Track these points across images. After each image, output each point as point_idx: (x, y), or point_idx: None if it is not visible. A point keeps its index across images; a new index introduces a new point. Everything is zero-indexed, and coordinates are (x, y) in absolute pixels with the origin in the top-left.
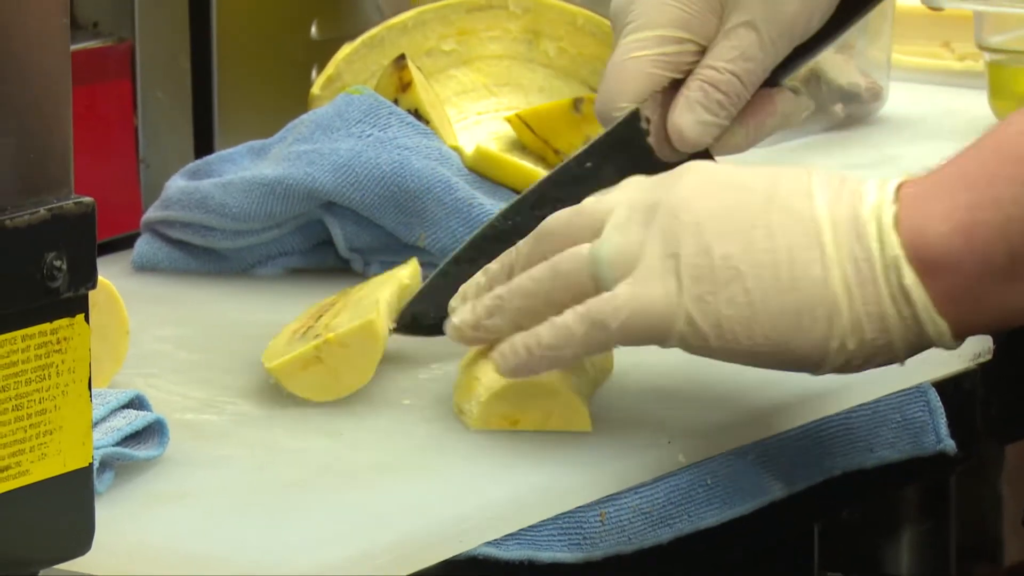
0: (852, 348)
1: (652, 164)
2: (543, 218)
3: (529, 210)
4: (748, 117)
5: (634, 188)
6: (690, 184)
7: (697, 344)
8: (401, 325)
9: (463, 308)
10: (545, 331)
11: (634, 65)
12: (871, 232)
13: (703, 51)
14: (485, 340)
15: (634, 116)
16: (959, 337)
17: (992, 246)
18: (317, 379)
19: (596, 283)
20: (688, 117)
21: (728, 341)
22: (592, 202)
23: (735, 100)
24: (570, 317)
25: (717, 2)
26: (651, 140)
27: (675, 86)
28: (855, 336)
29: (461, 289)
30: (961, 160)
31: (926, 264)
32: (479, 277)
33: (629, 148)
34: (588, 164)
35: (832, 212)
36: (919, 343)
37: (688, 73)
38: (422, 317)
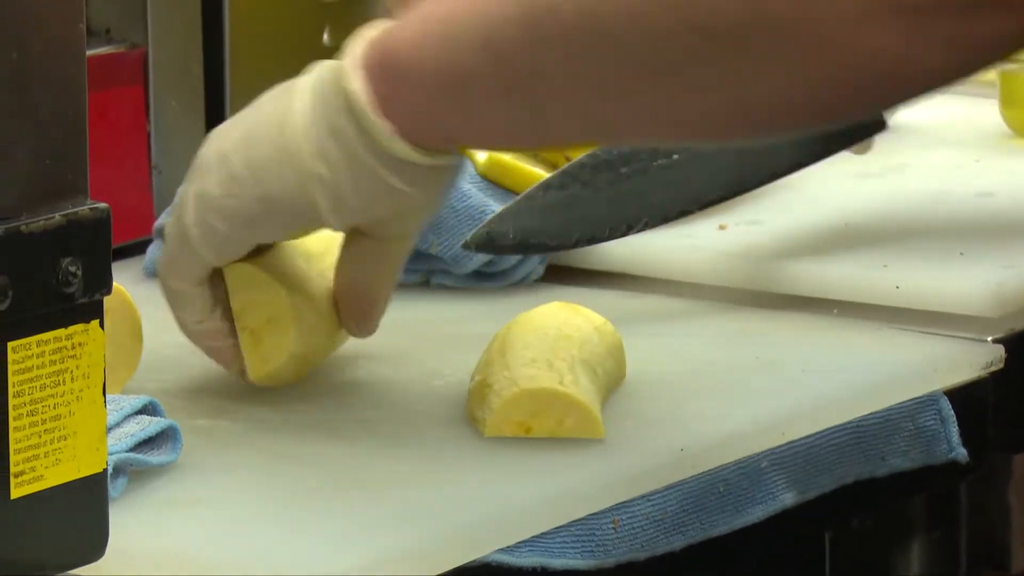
0: (326, 173)
1: None
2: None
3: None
4: None
5: None
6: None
7: (211, 236)
8: (476, 243)
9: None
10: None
11: None
12: (327, 71)
13: None
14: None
15: None
16: (424, 148)
17: (438, 56)
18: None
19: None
20: None
21: (231, 217)
22: None
23: None
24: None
25: None
26: None
27: None
28: (324, 160)
29: None
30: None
31: (377, 71)
32: None
33: None
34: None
35: (319, 75)
36: (387, 156)
37: None
38: (500, 237)
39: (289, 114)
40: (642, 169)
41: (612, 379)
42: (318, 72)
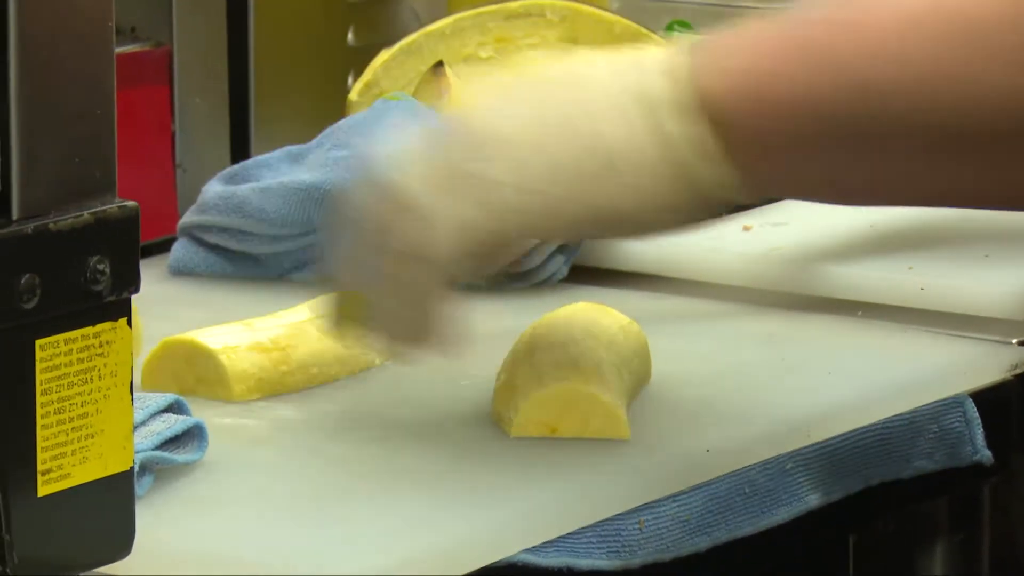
0: (650, 199)
1: None
2: None
3: None
4: None
5: None
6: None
7: (497, 227)
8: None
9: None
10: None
11: None
12: (656, 82)
13: None
14: None
15: None
16: (752, 191)
17: (793, 104)
18: None
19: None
20: None
21: (525, 212)
22: None
23: None
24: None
25: None
26: None
27: None
28: (649, 186)
29: None
30: (763, 22)
31: (712, 114)
32: None
33: None
34: None
35: (615, 69)
36: (702, 193)
37: None
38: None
39: (606, 120)
40: None
41: (638, 380)
42: (636, 77)
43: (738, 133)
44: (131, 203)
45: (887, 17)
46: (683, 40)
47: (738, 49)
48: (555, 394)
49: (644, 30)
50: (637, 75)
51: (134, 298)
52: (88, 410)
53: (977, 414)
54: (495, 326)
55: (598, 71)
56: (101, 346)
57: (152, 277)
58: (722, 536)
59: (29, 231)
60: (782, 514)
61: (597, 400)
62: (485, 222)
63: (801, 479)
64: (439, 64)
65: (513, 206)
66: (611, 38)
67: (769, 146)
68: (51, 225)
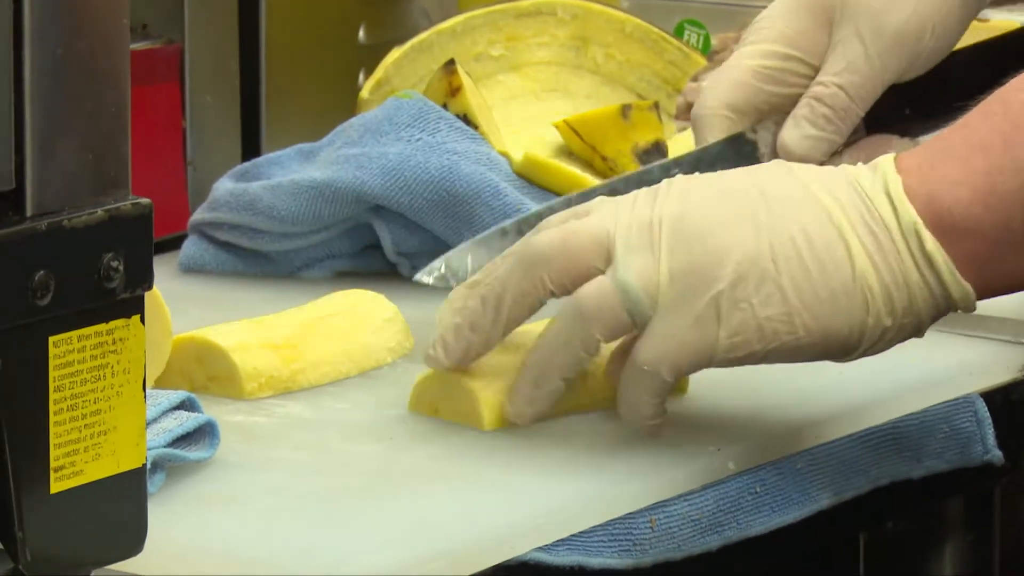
0: (888, 323)
1: None
2: None
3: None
4: (863, 154)
5: (618, 207)
6: (677, 195)
7: (743, 354)
8: (432, 275)
9: (523, 405)
10: (625, 416)
11: (734, 74)
12: (882, 203)
13: (813, 72)
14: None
15: (738, 139)
16: (980, 299)
17: (1010, 211)
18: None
19: (629, 313)
20: (794, 132)
21: (771, 341)
22: (582, 223)
23: (842, 114)
24: (623, 391)
25: (826, 21)
26: (762, 159)
27: (786, 109)
28: (888, 308)
29: (439, 335)
30: (969, 126)
31: (943, 229)
32: (455, 319)
33: (723, 167)
34: (675, 172)
35: (829, 189)
36: (944, 308)
37: (792, 90)
38: (459, 271)
39: (842, 247)
40: None
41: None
42: (845, 200)
43: (984, 237)
44: (145, 200)
45: None
46: (881, 161)
47: (948, 163)
48: (434, 376)
49: (655, 29)
50: (857, 197)
51: (166, 294)
52: (101, 407)
53: (988, 414)
54: None
55: (815, 193)
56: (114, 343)
57: (163, 274)
58: (733, 535)
59: (43, 228)
60: (793, 513)
61: (463, 387)
62: (728, 348)
63: (812, 478)
64: (450, 62)
65: (764, 335)
66: (622, 37)
67: (1008, 242)
68: (65, 222)
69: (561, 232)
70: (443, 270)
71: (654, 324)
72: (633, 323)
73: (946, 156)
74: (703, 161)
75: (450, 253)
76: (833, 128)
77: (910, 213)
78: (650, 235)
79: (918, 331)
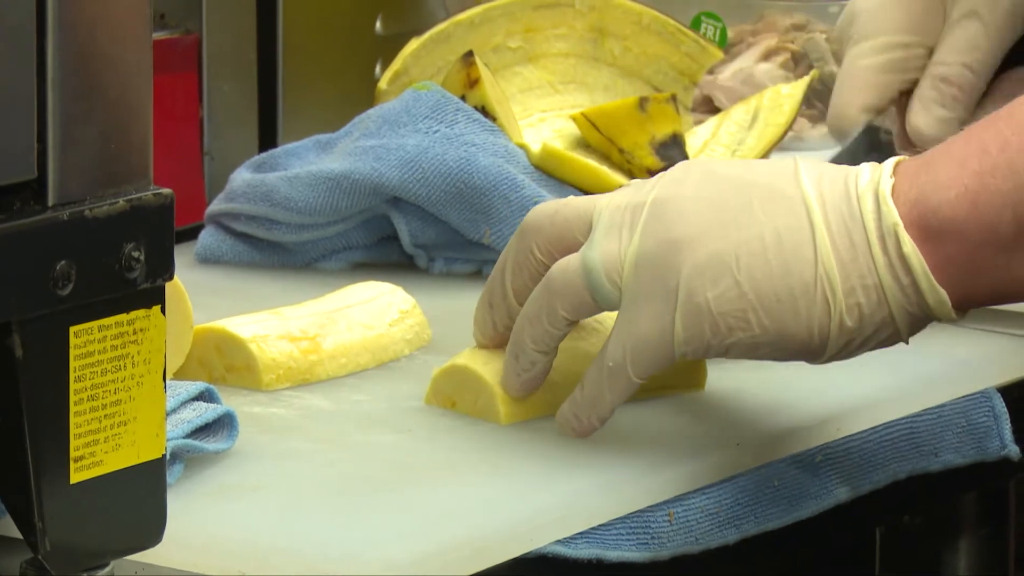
0: (851, 325)
1: None
2: None
3: None
4: (989, 105)
5: (623, 189)
6: (674, 178)
7: (698, 347)
8: None
9: (510, 377)
10: (586, 397)
11: (862, 74)
12: (867, 205)
13: (931, 52)
14: (537, 380)
15: (870, 129)
16: (959, 308)
17: (999, 213)
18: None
19: (591, 294)
20: (924, 116)
21: (725, 337)
22: (576, 198)
23: (969, 92)
24: (588, 377)
25: (939, 2)
26: (897, 147)
27: (907, 92)
28: (853, 312)
29: (476, 320)
30: (972, 132)
31: (927, 231)
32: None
33: (874, 155)
34: None
35: (820, 190)
36: (919, 316)
37: (919, 75)
38: None
39: (811, 247)
40: None
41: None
42: (825, 187)
43: (968, 239)
44: (166, 190)
45: None
46: (886, 163)
47: (945, 165)
48: (453, 369)
49: (672, 21)
50: (846, 197)
51: (183, 284)
52: (121, 397)
53: (1005, 409)
54: None
55: (804, 191)
56: (135, 333)
57: (179, 265)
58: (751, 529)
59: (65, 218)
60: (811, 507)
61: (480, 380)
62: (684, 341)
63: (830, 473)
64: (468, 54)
65: (718, 330)
66: (639, 29)
67: (992, 246)
68: (87, 212)
69: (555, 203)
70: None
71: (619, 318)
72: (597, 305)
73: (943, 159)
74: (843, 158)
75: None
76: (962, 107)
77: (892, 214)
78: (631, 216)
79: (895, 338)
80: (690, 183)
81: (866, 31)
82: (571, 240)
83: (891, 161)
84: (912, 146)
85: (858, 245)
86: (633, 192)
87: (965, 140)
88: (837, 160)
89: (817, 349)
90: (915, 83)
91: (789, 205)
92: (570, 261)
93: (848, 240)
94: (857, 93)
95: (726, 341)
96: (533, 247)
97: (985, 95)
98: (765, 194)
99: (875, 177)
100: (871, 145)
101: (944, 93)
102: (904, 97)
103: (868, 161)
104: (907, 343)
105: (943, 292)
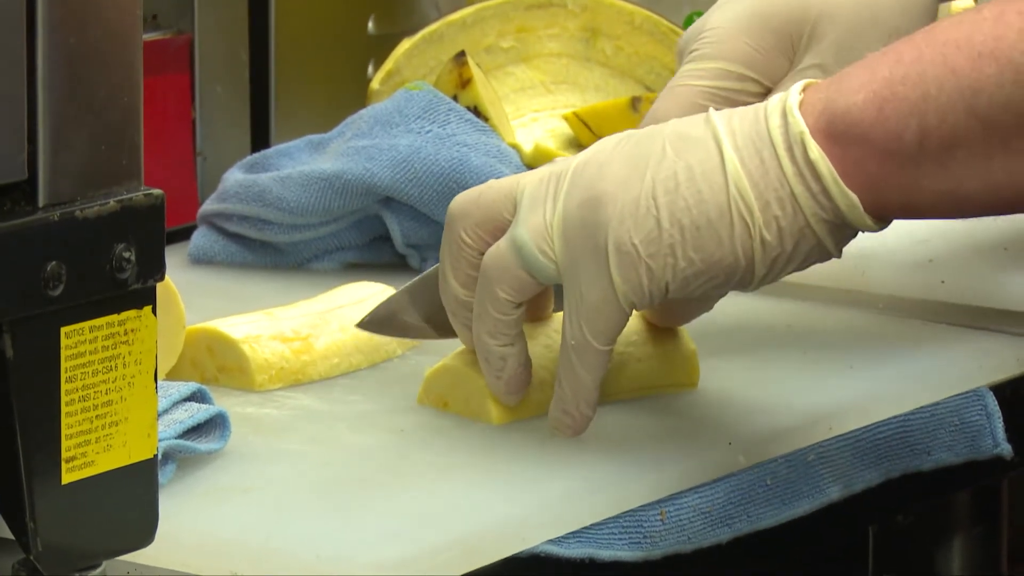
0: (771, 240)
1: None
2: None
3: None
4: None
5: (545, 165)
6: (593, 147)
7: (639, 298)
8: (369, 323)
9: (492, 383)
10: (566, 388)
11: (685, 93)
12: (774, 121)
13: (766, 93)
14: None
15: None
16: (877, 217)
17: (904, 121)
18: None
19: (528, 271)
20: None
21: (660, 279)
22: (498, 180)
23: None
24: (560, 368)
25: (789, 45)
26: None
27: None
28: (771, 227)
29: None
30: (891, 46)
31: (834, 136)
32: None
33: None
34: None
35: (730, 123)
36: (836, 223)
37: None
38: (400, 314)
39: (721, 172)
40: None
41: (647, 378)
42: (735, 122)
43: (873, 145)
44: (157, 191)
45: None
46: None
47: (856, 72)
48: (444, 370)
49: (665, 21)
50: (754, 121)
51: (176, 284)
52: (112, 398)
53: (998, 407)
54: None
55: (714, 127)
56: (126, 334)
57: (172, 265)
58: (743, 528)
59: (55, 218)
60: (803, 506)
61: (472, 381)
62: (625, 293)
63: (822, 471)
64: (461, 54)
65: (653, 274)
66: (631, 29)
67: (897, 155)
68: (77, 212)
69: (478, 188)
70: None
71: (566, 294)
72: (536, 281)
73: (856, 68)
74: None
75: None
76: None
77: (798, 124)
78: (554, 186)
79: (821, 251)
80: (607, 147)
81: (707, 52)
82: (499, 220)
83: (801, 81)
84: None
85: (767, 161)
86: (554, 165)
87: (882, 52)
88: None
89: (746, 272)
90: None
91: (699, 142)
92: (500, 244)
93: (758, 158)
94: (676, 108)
95: (661, 282)
96: (462, 233)
97: None
98: (676, 137)
99: (784, 95)
100: None
101: None
102: None
103: None
104: (838, 255)
105: (853, 196)
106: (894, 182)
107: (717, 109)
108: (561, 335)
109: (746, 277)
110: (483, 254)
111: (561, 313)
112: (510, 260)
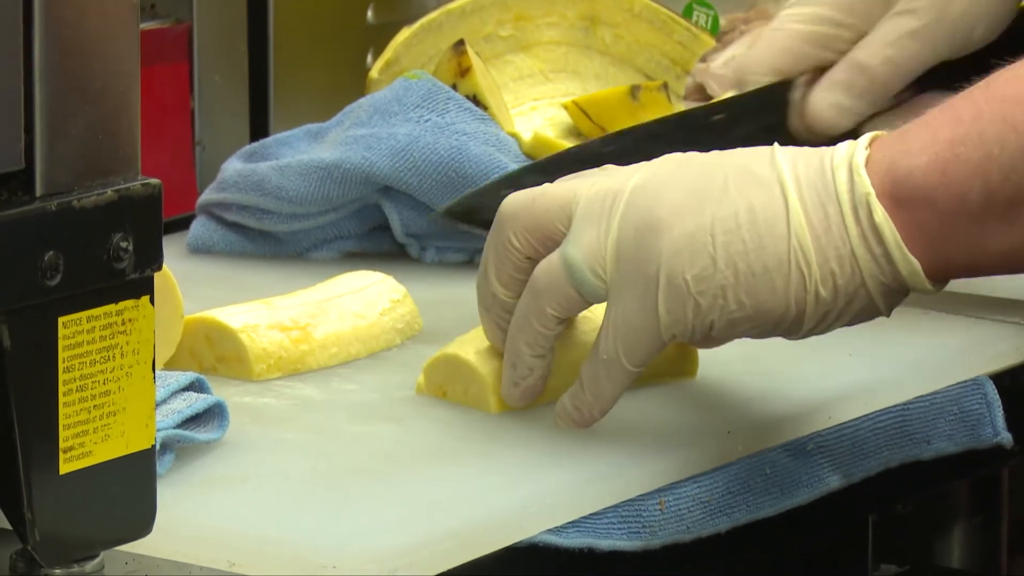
0: (826, 296)
1: (784, 141)
2: (650, 149)
3: (634, 140)
4: (895, 119)
5: (599, 176)
6: (651, 166)
7: (681, 331)
8: (453, 212)
9: (508, 387)
10: (588, 392)
11: (783, 37)
12: (841, 176)
13: (860, 38)
14: (536, 387)
15: (784, 85)
16: (934, 279)
17: (968, 183)
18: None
19: (577, 290)
20: (825, 97)
21: (706, 316)
22: (554, 186)
23: (880, 87)
24: (585, 371)
25: None
26: (790, 115)
27: (822, 69)
28: (827, 283)
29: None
30: (950, 102)
31: (899, 199)
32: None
33: (767, 116)
34: (718, 117)
35: (795, 168)
36: (894, 286)
37: (838, 57)
38: (480, 210)
39: (784, 220)
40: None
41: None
42: (800, 167)
43: (938, 207)
44: (154, 181)
45: None
46: (856, 140)
47: (918, 132)
48: (444, 359)
49: (664, 9)
50: (819, 171)
51: (175, 274)
52: (110, 388)
53: (998, 396)
54: None
55: (779, 169)
56: (124, 324)
57: (171, 255)
58: (743, 517)
59: (53, 208)
60: (802, 495)
61: (471, 370)
62: (669, 324)
63: (822, 461)
64: (460, 42)
65: (699, 310)
66: (631, 17)
67: (962, 215)
68: (75, 202)
69: (532, 192)
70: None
71: (609, 310)
72: (585, 300)
73: (917, 128)
74: (744, 105)
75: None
76: (867, 100)
77: (864, 184)
78: (610, 204)
79: (872, 310)
80: (666, 170)
81: None
82: (551, 230)
83: (868, 135)
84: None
85: (831, 217)
86: (609, 179)
87: (941, 110)
88: (732, 103)
89: (794, 323)
90: (832, 64)
91: (763, 183)
92: (552, 260)
93: (822, 212)
94: (771, 53)
95: (707, 320)
96: (511, 236)
97: (896, 106)
98: (739, 174)
99: (850, 150)
100: (768, 105)
101: (854, 80)
102: (816, 74)
103: (752, 121)
104: (887, 315)
105: (915, 261)
106: (958, 243)
107: (810, 52)
108: (595, 343)
109: (794, 327)
110: (529, 258)
111: (580, 312)
112: (561, 277)
